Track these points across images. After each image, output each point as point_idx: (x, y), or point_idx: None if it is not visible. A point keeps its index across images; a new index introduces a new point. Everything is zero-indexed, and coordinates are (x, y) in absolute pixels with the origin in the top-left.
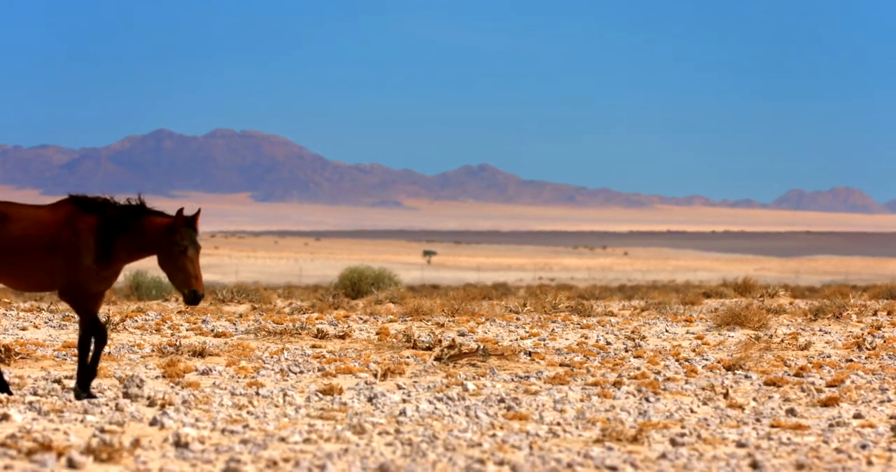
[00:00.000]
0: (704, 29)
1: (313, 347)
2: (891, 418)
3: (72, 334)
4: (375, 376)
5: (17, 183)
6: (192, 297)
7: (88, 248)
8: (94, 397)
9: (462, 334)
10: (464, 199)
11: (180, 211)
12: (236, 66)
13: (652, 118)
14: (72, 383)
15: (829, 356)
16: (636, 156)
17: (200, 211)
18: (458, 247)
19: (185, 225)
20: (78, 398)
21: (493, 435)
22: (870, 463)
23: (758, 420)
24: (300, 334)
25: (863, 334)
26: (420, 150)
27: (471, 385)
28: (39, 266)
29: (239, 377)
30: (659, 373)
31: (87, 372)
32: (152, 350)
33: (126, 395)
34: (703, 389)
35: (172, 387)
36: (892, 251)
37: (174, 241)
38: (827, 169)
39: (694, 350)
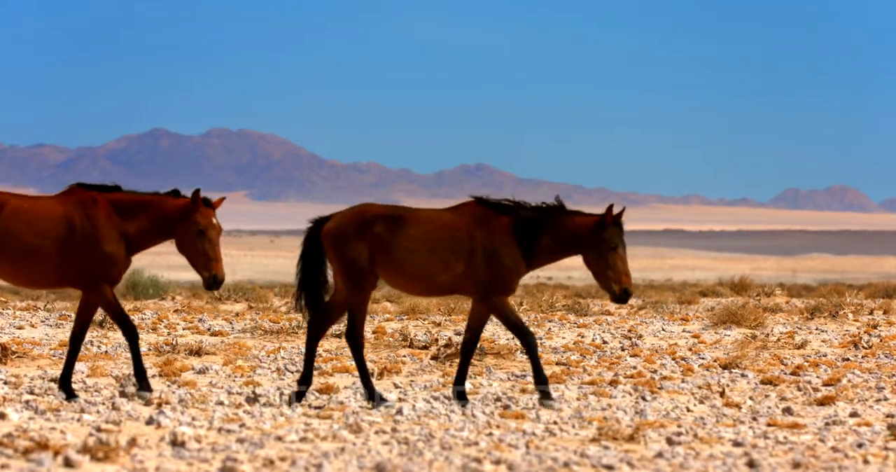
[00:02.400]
0: (701, 28)
1: None
2: (887, 416)
3: (67, 332)
4: (372, 374)
5: (14, 182)
6: (623, 295)
7: (505, 249)
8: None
9: (459, 333)
10: (461, 197)
11: (609, 208)
12: (233, 66)
13: (648, 117)
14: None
15: (825, 355)
16: (633, 155)
17: (625, 210)
18: None
19: (613, 223)
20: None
21: (490, 434)
22: (866, 462)
23: (754, 419)
24: (297, 332)
25: (859, 332)
26: (417, 149)
27: (467, 384)
28: (452, 269)
29: (235, 376)
30: (655, 372)
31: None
32: (149, 349)
33: (122, 394)
34: (700, 388)
35: (169, 386)
36: (888, 250)
37: (603, 239)
38: (823, 168)
39: (690, 349)
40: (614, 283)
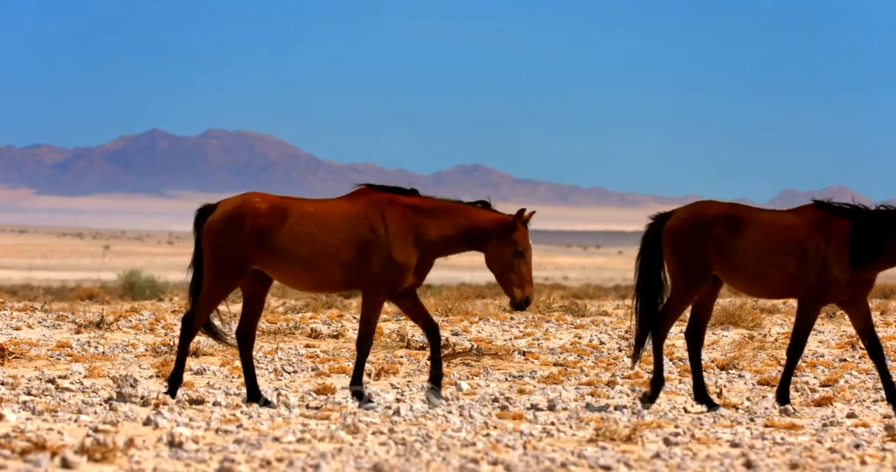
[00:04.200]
0: (698, 28)
1: (307, 346)
2: (884, 417)
3: (65, 333)
4: (369, 375)
5: (11, 183)
6: None
7: (839, 255)
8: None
9: (456, 334)
10: (457, 198)
11: None
12: (230, 66)
13: (645, 117)
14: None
15: (822, 356)
16: (630, 155)
17: None
18: None
19: None
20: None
21: (487, 435)
22: (863, 463)
23: (752, 420)
24: (294, 333)
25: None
26: (413, 149)
27: (465, 385)
28: (783, 272)
29: (233, 377)
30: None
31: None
32: (146, 350)
33: (120, 395)
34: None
35: (166, 387)
36: None
37: None
38: (820, 168)
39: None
40: None
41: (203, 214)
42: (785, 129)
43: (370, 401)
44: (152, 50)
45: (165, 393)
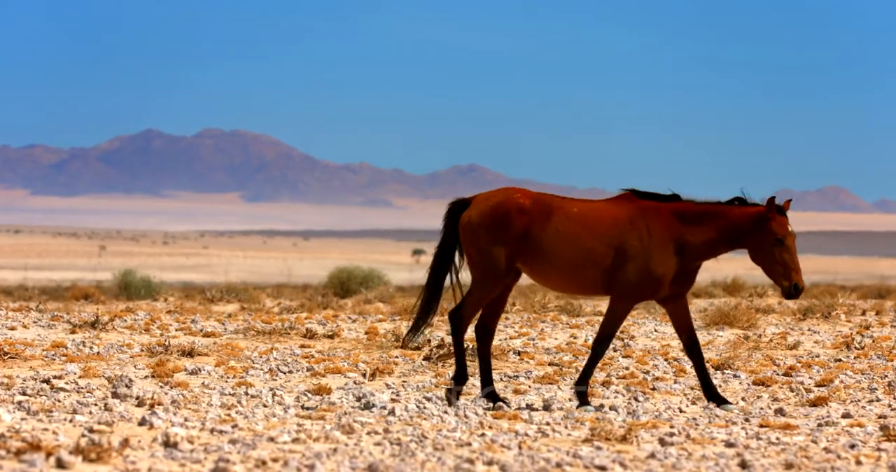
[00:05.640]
0: (694, 28)
1: (302, 347)
2: (879, 417)
3: (60, 333)
4: (364, 375)
5: (6, 183)
6: None
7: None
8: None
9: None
10: (453, 198)
11: None
12: (225, 66)
13: (641, 117)
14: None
15: (817, 356)
16: (625, 155)
17: None
18: None
19: None
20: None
21: (483, 435)
22: (859, 463)
23: (747, 420)
24: (289, 333)
25: (851, 333)
26: (409, 149)
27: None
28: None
29: (228, 377)
30: (648, 373)
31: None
32: (141, 350)
33: (115, 395)
34: (692, 388)
35: (161, 387)
36: (880, 251)
37: None
38: (816, 168)
39: (683, 350)
40: None
41: (455, 209)
42: (780, 129)
43: (588, 403)
44: (147, 50)
45: (450, 394)
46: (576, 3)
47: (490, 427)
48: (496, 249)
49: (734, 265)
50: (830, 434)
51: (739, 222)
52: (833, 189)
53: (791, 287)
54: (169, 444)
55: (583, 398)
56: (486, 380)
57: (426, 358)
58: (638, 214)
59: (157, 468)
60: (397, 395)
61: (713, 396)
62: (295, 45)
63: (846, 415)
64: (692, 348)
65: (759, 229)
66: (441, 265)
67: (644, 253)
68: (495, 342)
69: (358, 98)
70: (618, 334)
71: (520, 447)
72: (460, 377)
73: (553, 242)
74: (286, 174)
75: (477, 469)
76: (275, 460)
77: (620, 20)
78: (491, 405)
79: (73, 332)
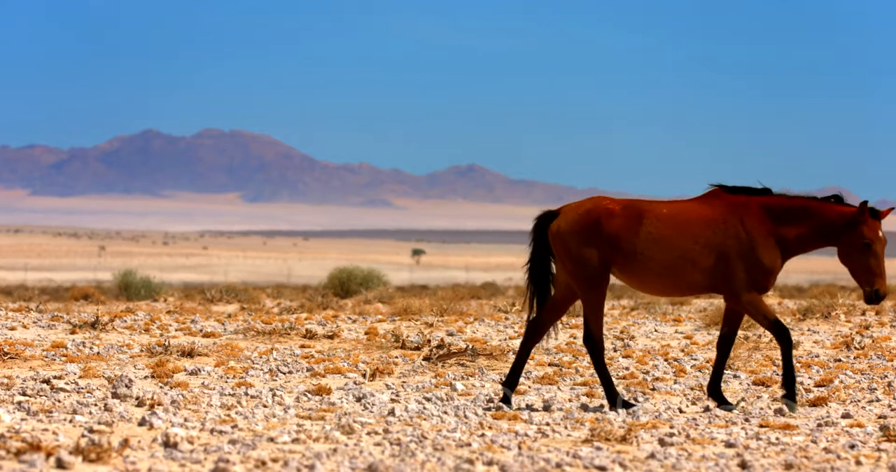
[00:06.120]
0: (694, 28)
1: (302, 347)
2: (879, 417)
3: (60, 334)
4: (364, 376)
5: (6, 183)
6: None
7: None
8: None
9: (451, 334)
10: (453, 198)
11: None
12: (225, 66)
13: (640, 117)
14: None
15: (817, 356)
16: (624, 155)
17: None
18: (447, 246)
19: None
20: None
21: (482, 435)
22: (858, 463)
23: (746, 420)
24: (289, 334)
25: (851, 333)
26: (409, 149)
27: (459, 385)
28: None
29: (228, 378)
30: (648, 373)
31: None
32: (141, 350)
33: (115, 395)
34: (692, 389)
35: (161, 387)
36: None
37: None
38: (816, 168)
39: (683, 350)
40: None
41: (544, 220)
42: (779, 129)
43: (795, 407)
44: (147, 50)
45: (619, 410)
46: (576, 3)
47: (490, 428)
48: (589, 253)
49: None
50: (830, 435)
51: (832, 221)
52: (833, 189)
53: (872, 292)
54: (169, 444)
55: (792, 397)
56: (512, 381)
57: (426, 359)
58: (729, 212)
59: (156, 469)
60: (397, 395)
61: (715, 393)
62: (295, 46)
63: (846, 415)
64: (727, 341)
65: (851, 230)
66: (539, 272)
67: (749, 250)
68: (495, 343)
69: (357, 98)
70: (621, 334)
71: (519, 448)
72: (612, 399)
73: (646, 245)
74: (286, 174)
75: (477, 470)
76: (275, 460)
77: (620, 20)
78: (500, 405)
79: (72, 332)
